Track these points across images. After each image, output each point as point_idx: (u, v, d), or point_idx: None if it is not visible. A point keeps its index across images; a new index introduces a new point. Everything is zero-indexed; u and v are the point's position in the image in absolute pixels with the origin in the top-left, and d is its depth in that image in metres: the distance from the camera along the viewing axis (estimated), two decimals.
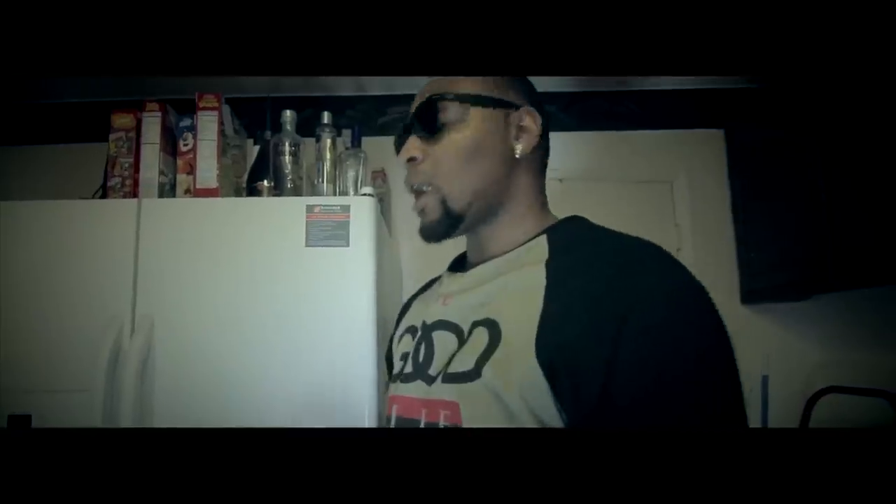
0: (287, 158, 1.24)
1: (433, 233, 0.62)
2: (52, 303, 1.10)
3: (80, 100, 1.93)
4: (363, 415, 1.06)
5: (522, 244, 0.61)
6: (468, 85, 0.62)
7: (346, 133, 1.45)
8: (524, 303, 0.54)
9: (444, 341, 0.60)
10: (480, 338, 0.55)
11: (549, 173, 2.08)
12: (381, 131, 1.93)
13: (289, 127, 1.28)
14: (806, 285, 1.57)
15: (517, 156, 0.62)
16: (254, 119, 1.72)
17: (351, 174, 1.35)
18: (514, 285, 0.57)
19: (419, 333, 0.64)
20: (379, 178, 1.74)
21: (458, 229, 0.62)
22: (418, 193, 0.63)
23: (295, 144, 1.26)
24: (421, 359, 0.62)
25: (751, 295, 1.76)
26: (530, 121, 0.63)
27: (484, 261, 0.63)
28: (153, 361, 1.07)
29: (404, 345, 0.69)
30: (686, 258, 1.82)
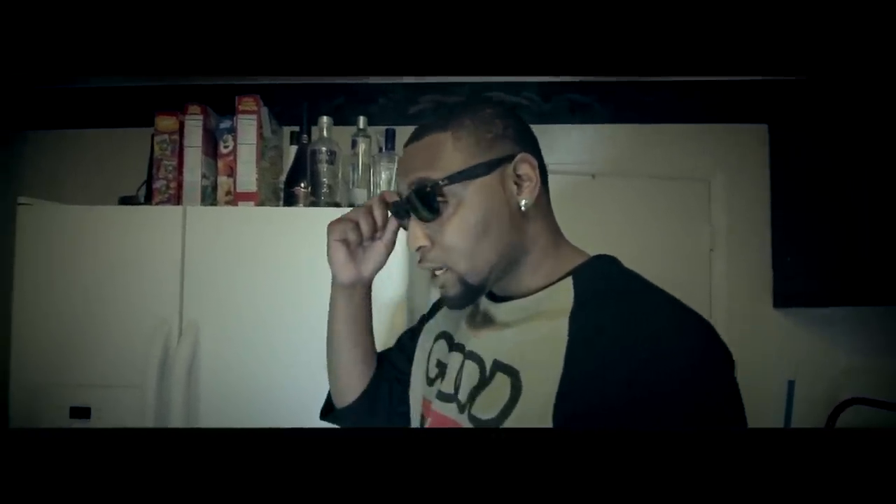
0: (323, 166, 1.26)
1: (458, 304, 0.63)
2: (109, 304, 1.17)
3: (122, 83, 1.97)
4: None
5: (547, 286, 0.61)
6: (454, 160, 0.59)
7: (380, 130, 1.45)
8: (545, 358, 0.55)
9: (471, 373, 0.63)
10: (502, 386, 0.58)
11: (580, 168, 2.03)
12: (413, 120, 1.93)
13: (325, 133, 1.30)
14: (841, 295, 1.54)
15: (523, 209, 0.60)
16: (286, 106, 1.73)
17: (385, 176, 1.36)
18: (538, 335, 0.58)
19: (461, 360, 0.66)
20: None
21: (482, 294, 0.63)
22: (433, 273, 0.62)
23: (331, 152, 1.28)
24: (455, 383, 0.65)
25: (784, 299, 1.74)
26: (527, 168, 0.61)
27: (509, 297, 0.63)
28: (199, 362, 1.15)
29: (440, 351, 0.71)
30: (719, 259, 1.81)
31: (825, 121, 1.61)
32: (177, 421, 1.11)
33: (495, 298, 0.66)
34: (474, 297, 0.62)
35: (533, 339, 0.58)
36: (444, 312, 0.76)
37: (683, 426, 0.49)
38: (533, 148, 0.63)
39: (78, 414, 1.13)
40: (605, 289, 0.59)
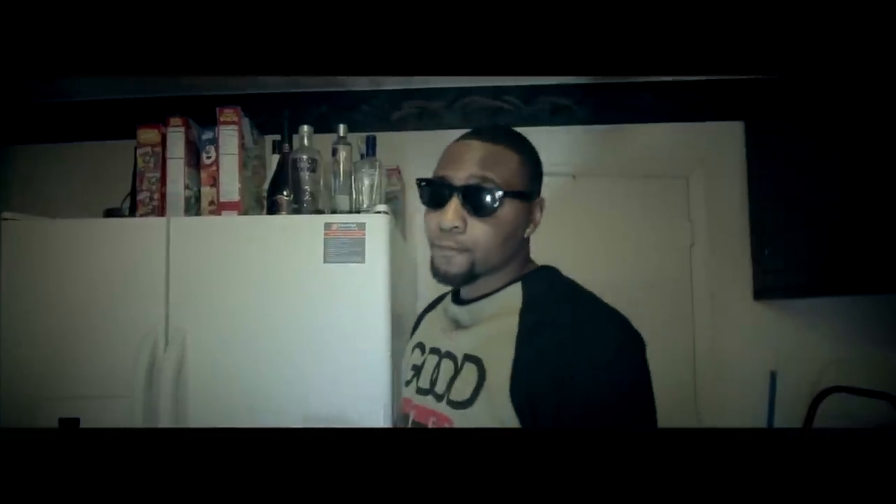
0: (305, 174, 1.29)
1: (452, 281, 0.76)
2: (95, 315, 1.18)
3: (105, 97, 1.98)
4: (379, 419, 1.15)
5: (502, 287, 0.76)
6: (517, 179, 0.73)
7: (361, 136, 1.47)
8: (501, 348, 0.70)
9: (447, 368, 0.77)
10: (471, 373, 0.72)
11: (561, 169, 2.08)
12: (396, 127, 1.95)
13: (306, 141, 1.32)
14: (819, 287, 1.58)
15: (525, 236, 0.78)
16: (270, 116, 1.75)
17: (366, 182, 1.38)
18: (496, 329, 0.72)
19: (436, 360, 0.79)
20: (394, 175, 1.77)
21: (473, 281, 0.76)
22: (446, 248, 0.73)
23: (312, 160, 1.30)
24: (431, 379, 0.79)
25: (763, 292, 1.78)
26: (539, 210, 0.78)
27: (473, 298, 0.78)
28: (186, 371, 1.16)
29: (415, 357, 0.86)
30: (699, 255, 1.84)
31: (800, 116, 1.65)
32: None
33: (460, 301, 0.81)
34: (471, 281, 0.75)
35: (492, 333, 0.73)
36: (423, 327, 0.90)
37: (605, 393, 0.64)
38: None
39: (67, 425, 1.14)
40: (545, 291, 0.75)
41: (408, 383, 0.85)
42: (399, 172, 1.78)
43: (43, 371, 1.17)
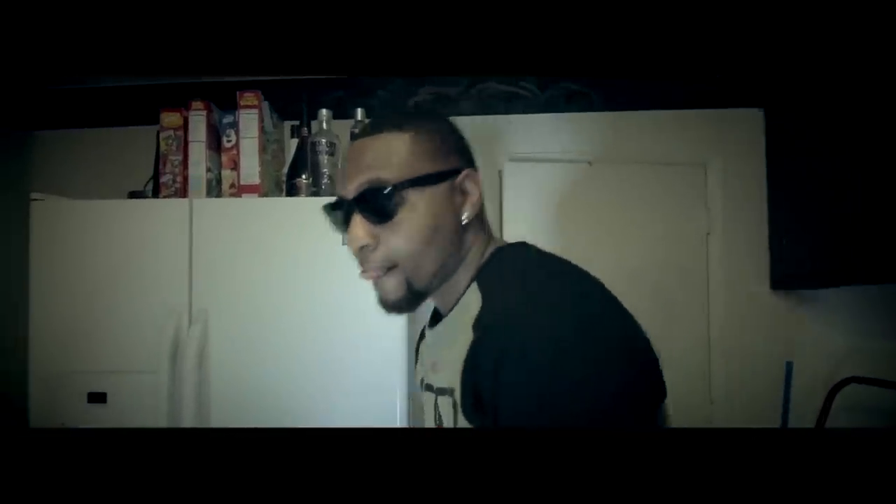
0: (324, 157, 1.30)
1: (397, 309, 0.63)
2: (121, 294, 1.22)
3: (126, 83, 2.01)
4: (395, 400, 1.17)
5: (462, 294, 0.63)
6: (409, 164, 0.60)
7: None
8: (459, 366, 0.58)
9: (444, 405, 0.63)
10: (447, 406, 0.61)
11: (577, 155, 2.06)
12: (414, 111, 1.96)
13: (325, 125, 1.34)
14: (836, 276, 1.56)
15: (464, 222, 0.63)
16: (287, 101, 1.77)
17: None
18: (458, 351, 0.58)
19: (433, 397, 0.66)
20: None
21: (423, 301, 0.64)
22: (373, 272, 0.61)
23: (331, 143, 1.32)
24: (436, 421, 0.66)
25: (780, 281, 1.76)
26: (472, 185, 0.63)
27: (443, 314, 0.66)
28: (209, 348, 1.19)
29: (426, 398, 0.71)
30: (716, 243, 1.83)
31: (820, 104, 1.63)
32: (188, 403, 1.16)
33: (432, 322, 0.69)
34: (417, 302, 0.63)
35: (455, 357, 0.59)
36: (420, 359, 0.76)
37: (542, 395, 0.51)
38: (474, 165, 0.65)
39: (95, 399, 1.18)
40: (497, 284, 0.60)
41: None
42: None
43: (71, 347, 1.21)
